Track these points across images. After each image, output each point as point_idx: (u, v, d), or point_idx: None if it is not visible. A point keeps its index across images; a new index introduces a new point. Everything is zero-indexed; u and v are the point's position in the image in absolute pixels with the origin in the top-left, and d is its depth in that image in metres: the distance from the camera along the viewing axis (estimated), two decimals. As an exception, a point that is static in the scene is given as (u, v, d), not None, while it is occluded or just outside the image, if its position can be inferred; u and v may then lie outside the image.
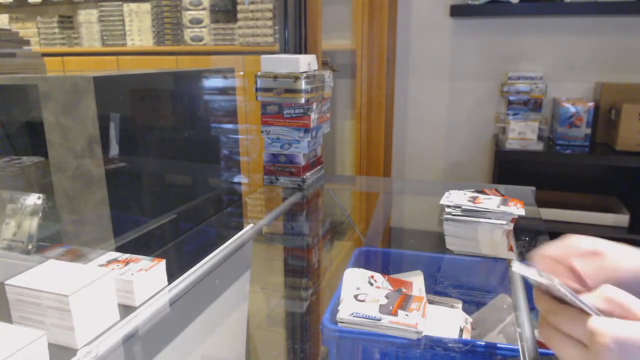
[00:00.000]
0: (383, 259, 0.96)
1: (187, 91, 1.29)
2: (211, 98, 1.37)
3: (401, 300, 0.72)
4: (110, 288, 0.61)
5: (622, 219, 2.05)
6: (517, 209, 0.96)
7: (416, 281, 0.86)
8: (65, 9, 3.24)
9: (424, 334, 0.66)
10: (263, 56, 1.27)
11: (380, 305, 0.71)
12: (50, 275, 0.60)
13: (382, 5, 2.30)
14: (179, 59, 2.80)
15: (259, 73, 1.25)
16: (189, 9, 2.87)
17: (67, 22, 3.21)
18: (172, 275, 0.73)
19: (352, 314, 0.69)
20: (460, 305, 0.84)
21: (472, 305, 0.88)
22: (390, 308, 0.70)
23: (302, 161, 1.28)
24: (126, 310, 0.65)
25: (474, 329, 0.81)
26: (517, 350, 0.51)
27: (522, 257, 0.87)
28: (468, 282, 0.90)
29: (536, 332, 0.51)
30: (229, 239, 0.93)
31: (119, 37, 3.08)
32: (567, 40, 2.31)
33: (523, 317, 0.63)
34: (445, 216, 0.99)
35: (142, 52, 2.99)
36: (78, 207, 1.01)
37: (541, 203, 1.25)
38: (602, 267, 0.44)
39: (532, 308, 0.48)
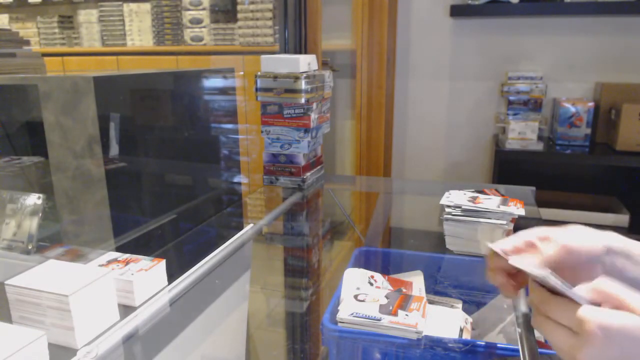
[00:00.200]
0: (383, 259, 0.96)
1: (187, 91, 1.29)
2: (211, 98, 1.37)
3: (401, 300, 0.72)
4: (110, 288, 0.61)
5: (622, 219, 2.05)
6: (517, 209, 0.97)
7: (416, 281, 0.86)
8: (65, 9, 3.24)
9: (424, 334, 0.66)
10: (263, 56, 1.27)
11: (380, 305, 0.71)
12: (50, 275, 0.60)
13: (382, 5, 2.30)
14: (179, 59, 2.80)
15: (259, 73, 1.25)
16: (189, 9, 2.87)
17: (67, 22, 3.21)
18: (172, 275, 0.74)
19: (352, 314, 0.69)
20: (460, 305, 0.84)
21: (472, 305, 0.87)
22: (390, 308, 0.70)
23: (302, 161, 1.28)
24: (126, 310, 0.65)
25: (474, 329, 0.81)
26: (517, 350, 0.51)
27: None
28: (468, 282, 0.90)
29: (536, 333, 0.52)
30: (229, 239, 0.93)
31: (119, 37, 3.08)
32: (567, 40, 2.31)
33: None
34: (445, 216, 0.99)
35: (142, 52, 2.99)
36: (78, 207, 1.02)
37: (541, 203, 1.25)
38: (554, 249, 0.49)
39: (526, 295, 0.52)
